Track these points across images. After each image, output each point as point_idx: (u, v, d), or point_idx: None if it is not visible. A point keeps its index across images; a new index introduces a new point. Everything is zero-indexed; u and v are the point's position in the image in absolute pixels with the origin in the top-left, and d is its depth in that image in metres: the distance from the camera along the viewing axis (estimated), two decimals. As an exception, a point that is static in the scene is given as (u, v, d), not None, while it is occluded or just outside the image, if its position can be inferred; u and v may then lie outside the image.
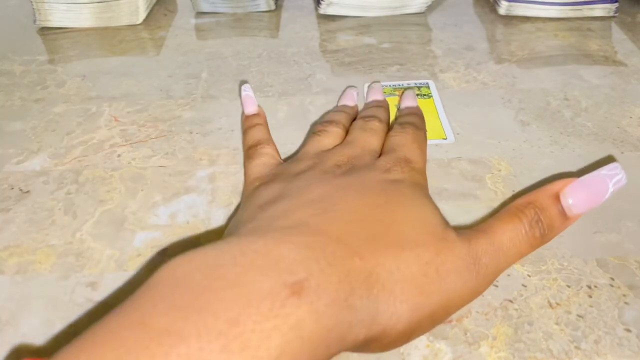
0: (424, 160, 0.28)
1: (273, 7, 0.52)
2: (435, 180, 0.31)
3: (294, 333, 0.17)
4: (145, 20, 0.51)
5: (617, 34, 0.46)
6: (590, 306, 0.24)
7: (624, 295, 0.24)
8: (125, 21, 0.50)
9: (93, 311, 0.25)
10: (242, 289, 0.17)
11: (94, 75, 0.43)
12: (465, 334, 0.23)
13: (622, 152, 0.33)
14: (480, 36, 0.47)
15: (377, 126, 0.31)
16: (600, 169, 0.23)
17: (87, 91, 0.41)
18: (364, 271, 0.19)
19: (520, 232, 0.22)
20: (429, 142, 0.34)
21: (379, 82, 0.39)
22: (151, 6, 0.53)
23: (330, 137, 0.31)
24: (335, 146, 0.30)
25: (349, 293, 0.18)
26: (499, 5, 0.49)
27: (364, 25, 0.49)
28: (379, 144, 0.30)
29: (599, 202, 0.23)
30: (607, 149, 0.33)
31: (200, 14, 0.52)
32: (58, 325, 0.24)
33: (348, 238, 0.20)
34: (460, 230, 0.22)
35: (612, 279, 0.25)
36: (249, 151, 0.31)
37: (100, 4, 0.49)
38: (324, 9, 0.49)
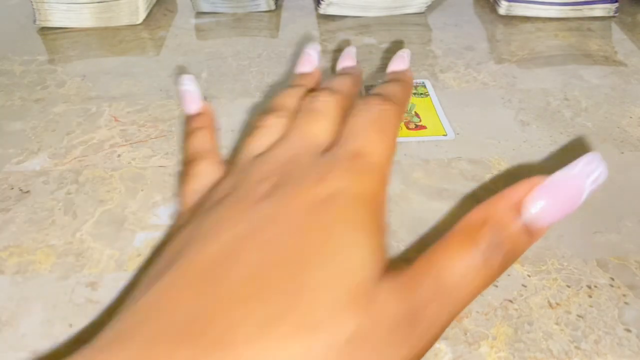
0: (386, 150, 0.21)
1: (273, 7, 0.52)
2: (435, 180, 0.31)
3: None
4: (145, 20, 0.51)
5: (617, 34, 0.46)
6: (590, 306, 0.24)
7: (624, 295, 0.24)
8: (125, 21, 0.50)
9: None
10: None
11: (94, 75, 0.43)
12: (465, 334, 0.23)
13: (622, 152, 0.33)
14: (480, 36, 0.47)
15: (326, 103, 0.23)
16: (574, 163, 0.18)
17: (87, 91, 0.41)
18: None
19: (475, 265, 0.17)
20: (429, 139, 0.34)
21: (352, 46, 0.30)
22: (151, 6, 0.53)
23: (268, 134, 0.24)
24: (271, 146, 0.23)
25: None
26: (499, 5, 0.48)
27: (364, 25, 0.49)
28: (325, 131, 0.22)
29: (573, 209, 0.18)
30: (607, 149, 0.33)
31: (200, 14, 0.52)
32: (58, 325, 0.24)
33: (238, 331, 0.16)
34: (397, 269, 0.18)
35: (612, 279, 0.25)
36: (183, 170, 0.25)
37: (100, 4, 0.49)
38: (324, 9, 0.49)
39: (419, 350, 0.17)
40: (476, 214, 0.19)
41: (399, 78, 0.26)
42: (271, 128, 0.24)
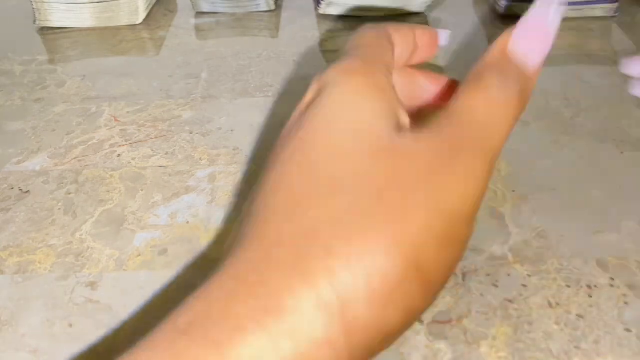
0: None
1: (273, 7, 0.52)
2: (435, 180, 0.31)
3: None
4: (145, 20, 0.51)
5: (617, 34, 0.46)
6: (590, 306, 0.24)
7: (624, 295, 0.24)
8: (125, 21, 0.50)
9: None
10: None
11: (94, 75, 0.43)
12: (465, 334, 0.23)
13: (622, 152, 0.33)
14: (480, 36, 0.47)
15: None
16: (534, 5, 0.19)
17: (87, 91, 0.41)
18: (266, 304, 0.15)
19: (496, 99, 0.18)
20: None
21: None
22: (151, 6, 0.53)
23: None
24: None
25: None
26: (499, 5, 0.48)
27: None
28: None
29: (550, 42, 0.19)
30: (607, 149, 0.33)
31: (200, 14, 0.52)
32: (58, 325, 0.24)
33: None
34: (418, 123, 0.18)
35: (612, 279, 0.25)
36: None
37: (100, 4, 0.49)
38: (324, 9, 0.49)
39: (470, 176, 0.17)
40: (476, 69, 0.19)
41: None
42: None
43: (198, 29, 0.50)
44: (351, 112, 0.17)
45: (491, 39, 0.46)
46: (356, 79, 0.18)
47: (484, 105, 0.18)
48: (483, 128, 0.17)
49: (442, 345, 0.23)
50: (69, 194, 0.32)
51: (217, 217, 0.30)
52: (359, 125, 0.17)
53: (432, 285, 0.16)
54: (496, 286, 0.25)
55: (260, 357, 0.14)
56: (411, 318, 0.16)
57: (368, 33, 0.21)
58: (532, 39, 0.19)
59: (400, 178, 0.16)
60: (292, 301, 0.14)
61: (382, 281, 0.15)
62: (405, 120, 0.18)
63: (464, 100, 0.18)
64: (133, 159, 0.34)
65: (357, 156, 0.16)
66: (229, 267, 0.16)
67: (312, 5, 0.53)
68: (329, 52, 0.45)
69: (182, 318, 0.15)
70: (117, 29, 0.50)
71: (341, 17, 0.50)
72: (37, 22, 0.50)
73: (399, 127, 0.17)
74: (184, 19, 0.52)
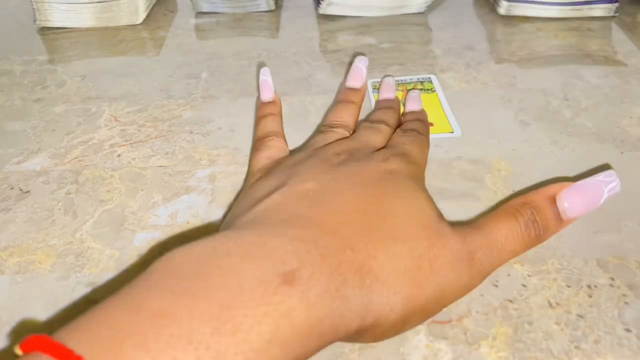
0: (424, 159, 0.29)
1: (273, 7, 0.52)
2: (435, 180, 0.31)
3: (285, 320, 0.17)
4: (145, 20, 0.51)
5: (617, 34, 0.46)
6: (590, 306, 0.24)
7: (624, 295, 0.24)
8: (125, 21, 0.50)
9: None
10: (235, 277, 0.18)
11: (94, 75, 0.43)
12: (465, 334, 0.23)
13: (622, 152, 0.33)
14: (480, 36, 0.47)
15: (384, 128, 0.31)
16: (597, 175, 0.23)
17: (87, 91, 0.41)
18: (356, 263, 0.20)
19: (516, 231, 0.22)
20: (436, 136, 0.34)
21: (391, 76, 0.37)
22: (151, 6, 0.53)
23: (335, 135, 0.30)
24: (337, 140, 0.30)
25: (340, 283, 0.19)
26: (499, 5, 0.48)
27: (364, 25, 0.49)
28: (382, 143, 0.30)
29: (594, 207, 0.23)
30: (607, 149, 0.33)
31: (200, 14, 0.52)
32: (58, 325, 0.24)
33: (341, 230, 0.21)
34: (456, 225, 0.23)
35: (612, 279, 0.25)
36: (257, 143, 0.31)
37: (100, 4, 0.49)
38: (324, 9, 0.49)
39: (474, 281, 0.22)
40: (520, 199, 0.23)
41: (419, 118, 0.33)
42: (338, 133, 0.30)
43: (198, 29, 0.50)
44: (416, 197, 0.24)
45: (491, 39, 0.46)
46: (416, 181, 0.25)
47: (506, 235, 0.22)
48: (496, 254, 0.22)
49: (442, 345, 0.23)
50: (69, 194, 0.32)
51: (217, 217, 0.30)
52: (420, 207, 0.23)
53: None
54: (496, 286, 0.25)
55: None
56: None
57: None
58: (580, 199, 0.23)
59: (433, 252, 0.21)
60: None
61: (379, 317, 0.20)
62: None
63: (495, 222, 0.23)
64: (133, 159, 0.34)
65: (414, 224, 0.22)
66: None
67: (312, 5, 0.53)
68: (329, 52, 0.45)
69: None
70: (117, 29, 0.50)
71: (341, 17, 0.50)
72: (37, 22, 0.50)
73: (441, 215, 0.23)
74: (184, 19, 0.52)
